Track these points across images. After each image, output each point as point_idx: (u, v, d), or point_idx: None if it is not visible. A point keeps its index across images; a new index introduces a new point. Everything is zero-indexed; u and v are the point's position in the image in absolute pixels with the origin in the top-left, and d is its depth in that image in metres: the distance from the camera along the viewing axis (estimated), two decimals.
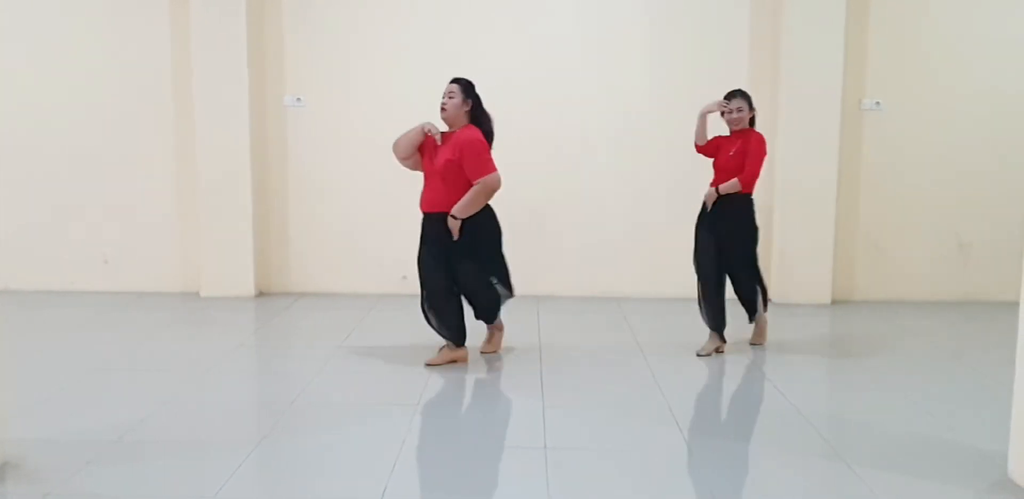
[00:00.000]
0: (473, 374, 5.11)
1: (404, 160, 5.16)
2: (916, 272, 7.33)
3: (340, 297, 7.23)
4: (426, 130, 5.07)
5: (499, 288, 5.28)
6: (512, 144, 7.19)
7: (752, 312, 5.66)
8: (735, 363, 5.45)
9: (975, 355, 5.79)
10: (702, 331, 6.16)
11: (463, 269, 5.09)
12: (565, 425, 4.26)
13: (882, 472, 3.67)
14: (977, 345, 6.07)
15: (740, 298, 5.63)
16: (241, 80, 6.97)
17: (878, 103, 7.17)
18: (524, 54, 7.18)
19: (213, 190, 7.09)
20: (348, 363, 5.28)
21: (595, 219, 7.27)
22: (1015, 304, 3.66)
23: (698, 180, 7.15)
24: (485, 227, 5.10)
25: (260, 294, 7.27)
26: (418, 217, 7.51)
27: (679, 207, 7.23)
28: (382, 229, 7.24)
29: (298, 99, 7.24)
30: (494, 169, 5.01)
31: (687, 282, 7.19)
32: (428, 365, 5.16)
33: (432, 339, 5.63)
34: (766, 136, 7.07)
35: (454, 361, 5.23)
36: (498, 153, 7.17)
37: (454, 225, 4.96)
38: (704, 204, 5.50)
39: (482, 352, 5.45)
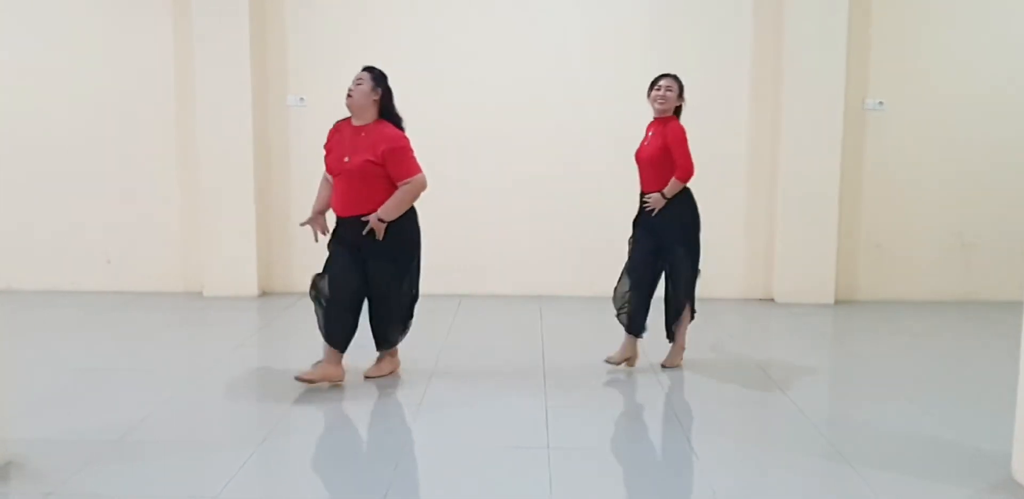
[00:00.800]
0: (475, 374, 5.10)
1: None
2: (919, 272, 7.32)
3: None
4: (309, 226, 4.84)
5: (414, 294, 4.91)
6: (511, 144, 7.23)
7: (673, 322, 5.19)
8: (737, 363, 5.44)
9: (978, 355, 5.78)
10: (704, 331, 6.17)
11: (378, 272, 4.72)
12: (568, 425, 4.26)
13: (885, 472, 3.66)
14: (980, 345, 6.06)
15: (667, 304, 5.18)
16: (243, 80, 6.98)
17: (881, 103, 7.16)
18: (526, 54, 7.18)
19: (216, 190, 7.09)
20: (350, 363, 5.27)
21: (596, 219, 7.25)
22: (1018, 304, 3.66)
23: (700, 179, 7.16)
24: (407, 230, 4.78)
25: (263, 294, 7.27)
26: (424, 216, 7.53)
27: None
28: None
29: (301, 99, 7.24)
30: (420, 169, 4.72)
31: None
32: (299, 379, 4.68)
33: (427, 339, 5.65)
34: (768, 135, 7.14)
35: (331, 381, 4.75)
36: (499, 153, 7.22)
37: (380, 228, 4.61)
38: (641, 205, 5.10)
39: (369, 376, 4.93)
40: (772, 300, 7.22)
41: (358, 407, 4.57)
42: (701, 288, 7.20)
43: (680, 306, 5.15)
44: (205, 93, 7.02)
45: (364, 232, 4.62)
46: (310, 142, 7.35)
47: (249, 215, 7.10)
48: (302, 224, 4.90)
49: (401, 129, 4.77)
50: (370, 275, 4.73)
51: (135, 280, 7.37)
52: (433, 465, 3.82)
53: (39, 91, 7.26)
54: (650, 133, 5.12)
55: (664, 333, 5.24)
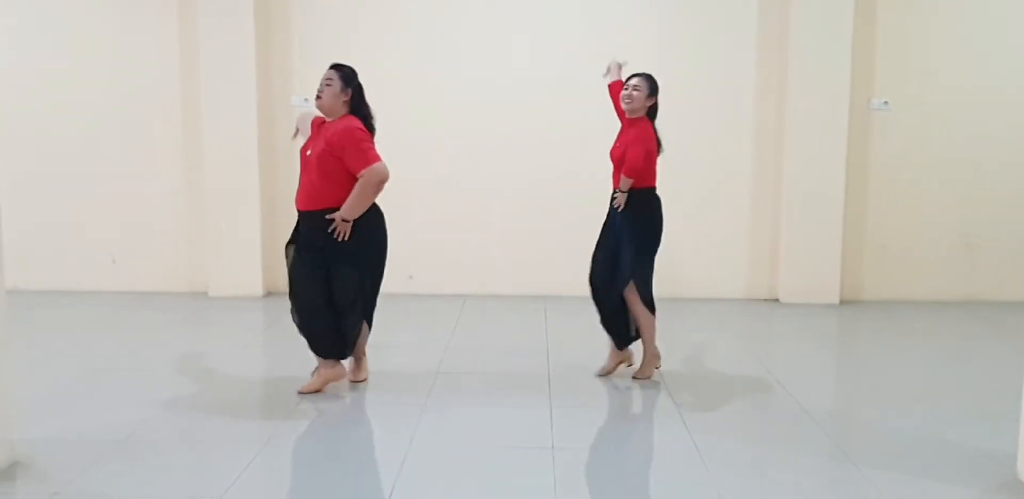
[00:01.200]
0: (480, 374, 5.11)
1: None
2: (924, 272, 7.30)
3: None
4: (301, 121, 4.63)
5: (367, 303, 4.75)
6: (513, 143, 7.23)
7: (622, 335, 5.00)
8: (742, 363, 5.44)
9: (983, 355, 5.77)
10: (711, 331, 6.19)
11: (343, 278, 4.55)
12: (572, 425, 4.26)
13: (889, 472, 3.65)
14: (985, 345, 6.05)
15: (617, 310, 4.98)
16: (248, 80, 6.99)
17: (886, 103, 7.15)
18: (528, 54, 7.18)
19: (221, 189, 7.10)
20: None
21: (599, 219, 7.19)
22: (1022, 304, 3.65)
23: (704, 179, 7.17)
24: (370, 229, 4.61)
25: (268, 294, 7.28)
26: (427, 217, 7.54)
27: (686, 208, 7.23)
28: (388, 228, 7.23)
29: (305, 99, 7.24)
30: (377, 159, 4.48)
31: (695, 282, 7.23)
32: (302, 393, 4.65)
33: (432, 339, 5.64)
34: (773, 135, 7.13)
35: (332, 381, 4.70)
36: (502, 152, 7.22)
37: (345, 228, 4.45)
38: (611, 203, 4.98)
39: (354, 381, 4.87)
40: (777, 300, 7.22)
41: (362, 407, 4.58)
42: (705, 288, 7.27)
43: (625, 310, 4.93)
44: (210, 93, 7.03)
45: (329, 230, 4.46)
46: None
47: (254, 215, 7.11)
48: (295, 136, 4.78)
49: (370, 125, 4.60)
50: (333, 280, 4.57)
51: (140, 280, 7.38)
52: (437, 465, 3.81)
53: (44, 91, 7.27)
54: (619, 138, 4.98)
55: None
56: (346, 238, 4.48)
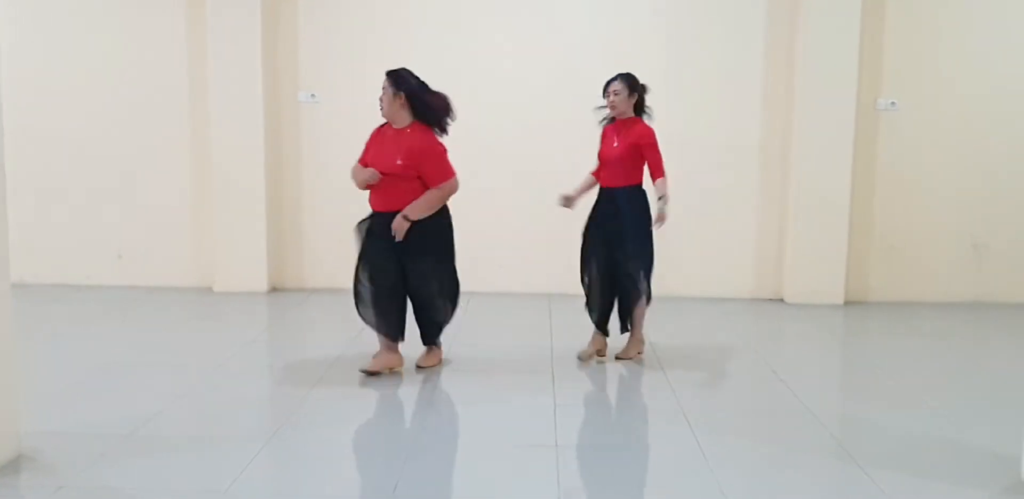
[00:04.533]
0: (485, 371, 5.11)
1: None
2: (930, 273, 7.28)
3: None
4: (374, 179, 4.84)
5: (448, 290, 5.04)
6: (522, 141, 7.22)
7: (628, 314, 5.27)
8: (746, 363, 5.43)
9: (989, 357, 5.77)
10: (715, 331, 6.18)
11: (416, 270, 4.89)
12: (576, 423, 4.26)
13: (894, 473, 3.65)
14: (991, 346, 6.04)
15: (620, 299, 5.27)
16: (256, 77, 6.99)
17: (893, 103, 7.13)
18: (538, 52, 7.17)
19: (227, 185, 7.11)
20: (360, 358, 5.28)
21: None
22: None
23: (710, 178, 7.17)
24: (437, 228, 4.90)
25: (273, 289, 7.29)
26: None
27: (692, 207, 7.22)
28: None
29: (312, 95, 7.25)
30: (453, 173, 4.86)
31: (700, 281, 7.23)
32: (366, 372, 4.88)
33: (444, 333, 5.65)
34: (780, 135, 7.13)
35: (392, 368, 4.95)
36: (509, 150, 7.21)
37: (403, 226, 4.76)
38: (596, 201, 5.26)
39: (420, 366, 5.06)
40: (782, 300, 7.21)
41: (368, 403, 4.58)
42: (711, 287, 7.27)
43: (634, 297, 5.20)
44: (217, 89, 7.04)
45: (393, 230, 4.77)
46: (321, 138, 7.39)
47: (260, 211, 7.12)
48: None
49: (441, 126, 4.87)
50: (407, 271, 4.88)
51: (146, 275, 7.39)
52: (442, 462, 3.83)
53: (53, 87, 7.27)
54: (614, 135, 5.19)
55: (619, 325, 5.34)
56: (402, 237, 4.77)
